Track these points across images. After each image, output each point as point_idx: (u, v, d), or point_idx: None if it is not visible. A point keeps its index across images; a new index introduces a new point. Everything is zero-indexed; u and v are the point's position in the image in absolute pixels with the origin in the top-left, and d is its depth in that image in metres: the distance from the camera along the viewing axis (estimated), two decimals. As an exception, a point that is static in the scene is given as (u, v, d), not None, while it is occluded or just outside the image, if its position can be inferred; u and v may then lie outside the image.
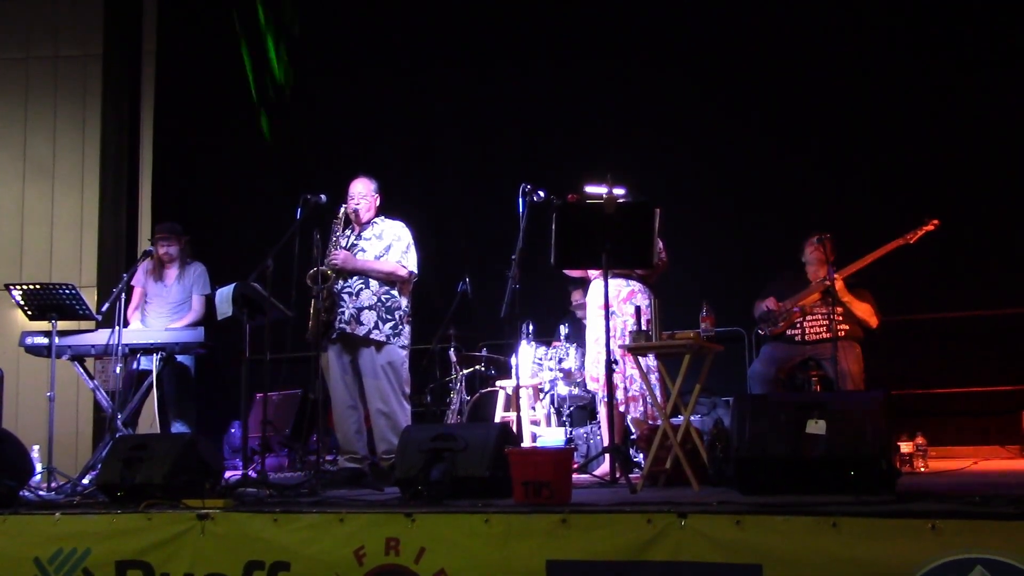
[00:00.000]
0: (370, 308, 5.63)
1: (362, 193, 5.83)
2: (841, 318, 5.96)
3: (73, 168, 9.62)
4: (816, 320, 6.09)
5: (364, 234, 5.84)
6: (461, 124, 8.82)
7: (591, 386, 5.93)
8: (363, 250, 5.77)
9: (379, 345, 5.61)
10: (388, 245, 5.76)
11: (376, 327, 5.61)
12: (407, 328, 5.76)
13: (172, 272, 6.77)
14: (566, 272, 5.87)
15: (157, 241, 6.77)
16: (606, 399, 5.16)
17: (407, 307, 5.78)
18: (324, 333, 5.62)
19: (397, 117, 9.00)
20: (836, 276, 5.92)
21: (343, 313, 5.63)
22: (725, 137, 8.05)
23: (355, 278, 5.68)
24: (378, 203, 5.91)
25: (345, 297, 5.66)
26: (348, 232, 5.88)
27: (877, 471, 3.75)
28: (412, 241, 5.82)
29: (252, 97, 9.17)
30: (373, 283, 5.68)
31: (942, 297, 7.22)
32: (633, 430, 5.72)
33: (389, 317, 5.66)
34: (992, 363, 7.04)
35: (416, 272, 5.79)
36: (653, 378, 5.30)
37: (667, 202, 5.29)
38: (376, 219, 5.89)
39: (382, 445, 5.55)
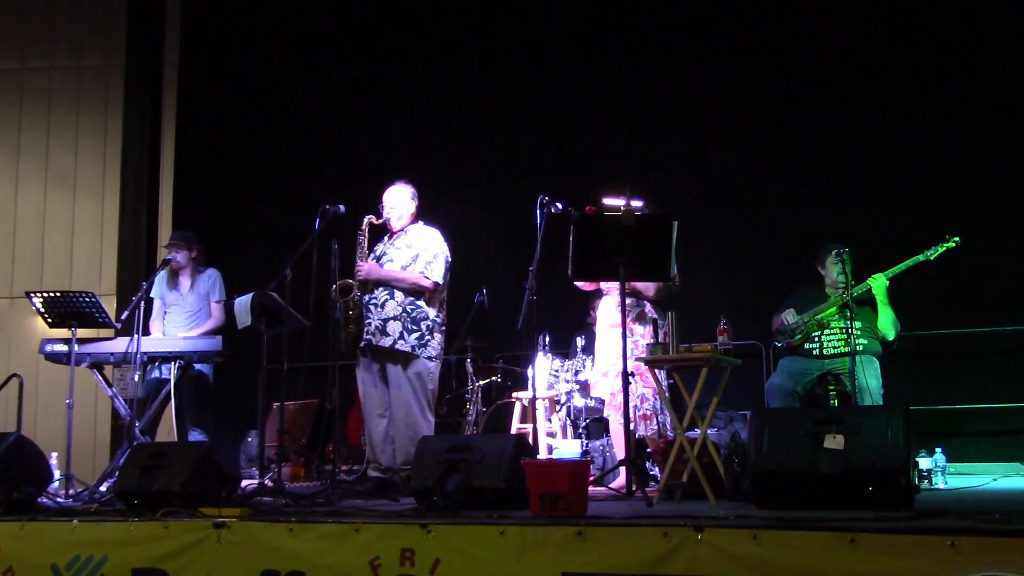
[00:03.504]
0: (395, 319, 5.61)
1: (394, 202, 5.81)
2: (859, 333, 5.93)
3: (94, 177, 9.69)
4: (834, 334, 6.06)
5: (396, 242, 5.82)
6: (479, 135, 8.84)
7: (597, 393, 5.92)
8: (391, 259, 5.75)
9: (405, 356, 5.59)
10: (416, 254, 5.72)
11: (401, 338, 5.59)
12: (436, 338, 5.71)
13: (185, 280, 6.82)
14: (579, 286, 5.84)
15: (168, 249, 6.82)
16: (620, 413, 5.15)
17: (436, 317, 5.73)
18: (356, 343, 5.64)
19: (415, 128, 9.03)
20: (882, 276, 5.91)
21: (369, 324, 5.62)
22: (743, 150, 8.03)
23: (380, 289, 5.67)
24: (414, 209, 5.87)
25: (371, 308, 5.65)
26: (385, 238, 5.88)
27: (896, 487, 3.73)
28: (442, 251, 5.76)
29: None
30: (399, 294, 5.65)
31: (963, 312, 7.17)
32: (649, 445, 5.71)
33: (415, 328, 5.63)
34: (1013, 379, 6.98)
35: (440, 283, 5.71)
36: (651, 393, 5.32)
37: (685, 215, 5.28)
38: (411, 226, 5.86)
39: (401, 455, 5.54)
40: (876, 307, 5.99)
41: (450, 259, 5.82)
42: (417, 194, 5.90)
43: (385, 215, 5.79)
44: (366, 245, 5.76)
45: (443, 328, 5.79)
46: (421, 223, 5.89)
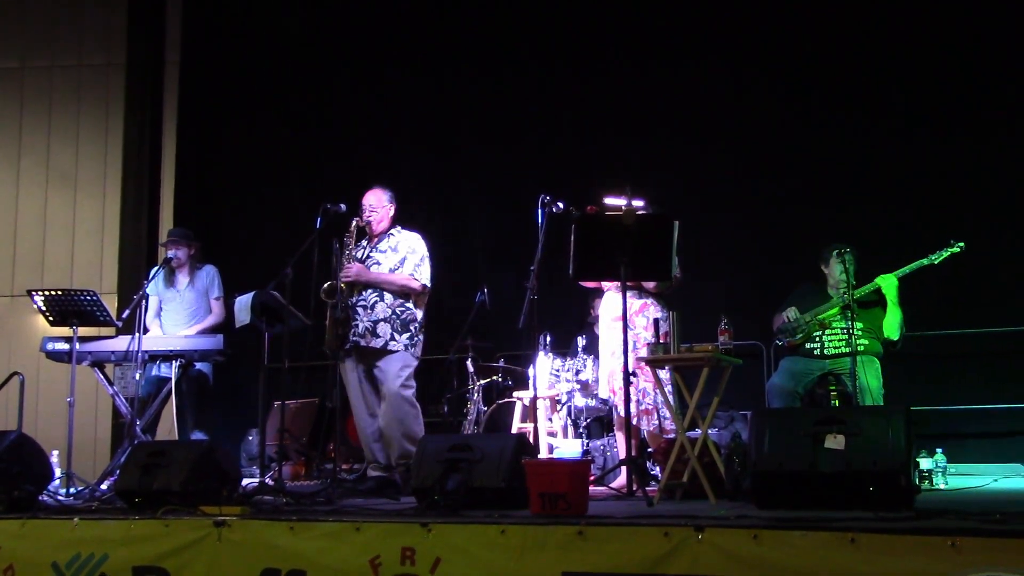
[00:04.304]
0: (385, 320, 5.63)
1: (373, 205, 5.82)
2: (860, 333, 5.93)
3: (95, 176, 9.70)
4: (835, 334, 6.06)
5: (380, 246, 5.84)
6: (481, 135, 8.85)
7: (604, 395, 5.91)
8: (378, 262, 5.77)
9: (395, 355, 5.61)
10: (403, 257, 5.75)
11: (392, 339, 5.61)
12: (420, 339, 5.78)
13: (183, 277, 6.81)
14: (581, 283, 5.86)
15: (166, 246, 6.83)
16: (622, 412, 5.14)
17: (422, 319, 5.78)
18: (341, 344, 5.64)
19: (416, 127, 9.04)
20: (892, 276, 5.91)
21: (357, 326, 5.63)
22: (745, 149, 8.03)
23: (369, 291, 5.68)
24: (392, 213, 5.89)
25: (360, 310, 5.66)
26: (364, 243, 5.90)
27: (896, 487, 3.73)
28: (427, 253, 5.81)
29: None
30: (387, 296, 5.67)
31: (964, 313, 7.17)
32: (650, 444, 5.70)
33: (405, 329, 5.66)
34: (1014, 380, 6.99)
35: (429, 285, 5.77)
36: (668, 389, 5.30)
37: (686, 215, 5.27)
38: (392, 230, 5.88)
39: (397, 451, 5.55)
40: (883, 307, 5.98)
41: (431, 264, 5.86)
42: (395, 197, 5.91)
43: (365, 218, 5.80)
44: (353, 246, 5.77)
45: (424, 331, 5.83)
46: (399, 227, 5.91)
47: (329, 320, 5.65)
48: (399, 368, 5.61)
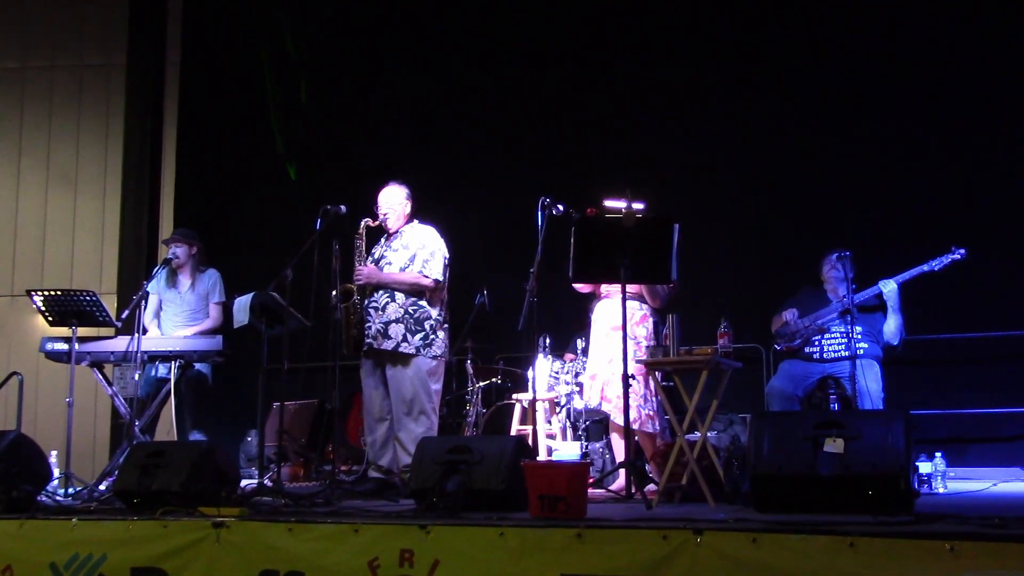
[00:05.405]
0: (397, 321, 5.59)
1: (389, 203, 5.79)
2: (860, 337, 5.93)
3: (95, 176, 9.70)
4: (835, 338, 6.06)
5: (393, 244, 5.80)
6: (481, 136, 8.84)
7: (599, 404, 5.88)
8: (389, 261, 5.74)
9: (408, 358, 5.57)
10: (413, 255, 5.70)
11: (404, 340, 5.56)
12: (440, 336, 5.69)
13: (185, 279, 6.78)
14: (577, 287, 5.83)
15: (168, 244, 6.82)
16: (615, 416, 5.14)
17: (439, 315, 5.70)
18: (357, 347, 5.63)
19: (416, 127, 9.04)
20: (893, 281, 5.91)
21: (370, 328, 5.61)
22: (745, 152, 8.04)
23: (380, 292, 5.64)
24: (409, 210, 5.86)
25: (372, 312, 5.63)
26: (383, 240, 5.87)
27: (895, 491, 3.73)
28: (440, 248, 5.74)
29: (278, 149, 9.23)
30: (399, 295, 5.63)
31: (965, 317, 7.17)
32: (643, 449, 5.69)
33: (418, 328, 5.61)
34: (1014, 384, 6.98)
35: (440, 280, 5.69)
36: (651, 394, 5.32)
37: (687, 218, 5.27)
38: (406, 227, 5.84)
39: (405, 458, 5.51)
40: (884, 311, 5.98)
41: (448, 256, 5.80)
42: (411, 194, 5.88)
43: (381, 216, 5.78)
44: (364, 249, 5.75)
45: (446, 326, 5.76)
46: (416, 222, 5.87)
47: (343, 324, 5.64)
48: (412, 374, 5.55)
